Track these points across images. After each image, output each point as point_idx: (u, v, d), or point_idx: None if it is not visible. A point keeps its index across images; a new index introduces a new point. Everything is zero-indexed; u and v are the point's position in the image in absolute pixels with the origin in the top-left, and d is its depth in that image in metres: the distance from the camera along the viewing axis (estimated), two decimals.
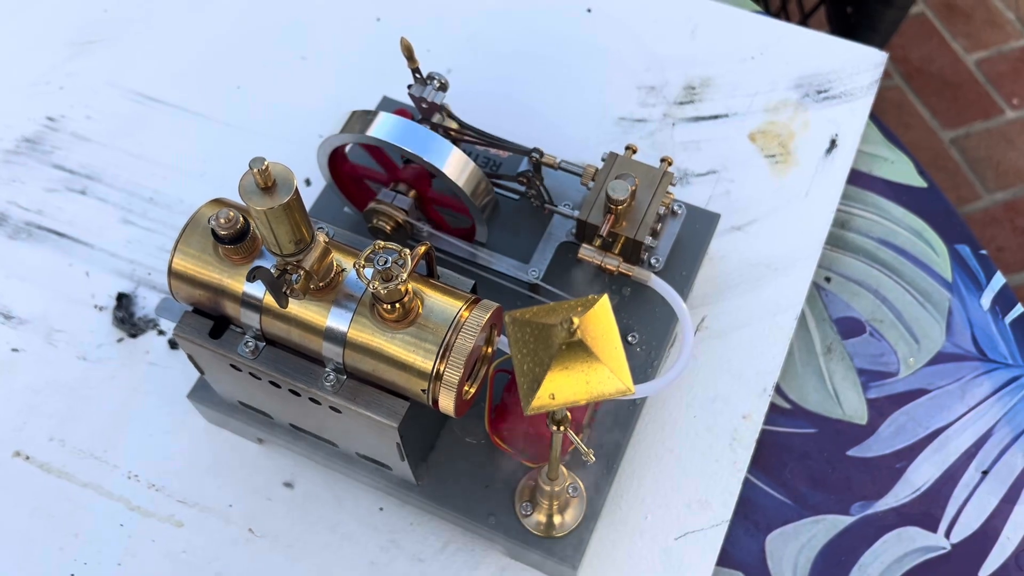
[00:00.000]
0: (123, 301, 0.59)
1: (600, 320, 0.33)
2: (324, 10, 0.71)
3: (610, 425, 0.52)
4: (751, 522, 0.55)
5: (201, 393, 0.53)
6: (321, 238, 0.40)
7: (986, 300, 0.62)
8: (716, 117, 0.66)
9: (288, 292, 0.40)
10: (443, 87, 0.52)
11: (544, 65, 0.68)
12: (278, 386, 0.44)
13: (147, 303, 0.59)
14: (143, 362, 0.58)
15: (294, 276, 0.39)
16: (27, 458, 0.55)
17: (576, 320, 0.32)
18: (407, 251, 0.39)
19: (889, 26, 1.17)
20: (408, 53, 0.51)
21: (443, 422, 0.51)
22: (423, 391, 0.42)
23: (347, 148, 0.55)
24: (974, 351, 0.60)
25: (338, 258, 0.42)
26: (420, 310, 0.41)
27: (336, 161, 0.54)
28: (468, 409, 0.45)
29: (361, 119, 0.50)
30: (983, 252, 0.64)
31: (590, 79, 0.68)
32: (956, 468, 0.56)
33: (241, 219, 0.41)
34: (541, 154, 0.52)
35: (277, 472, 0.55)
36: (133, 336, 0.58)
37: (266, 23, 0.70)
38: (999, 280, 0.63)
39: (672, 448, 0.55)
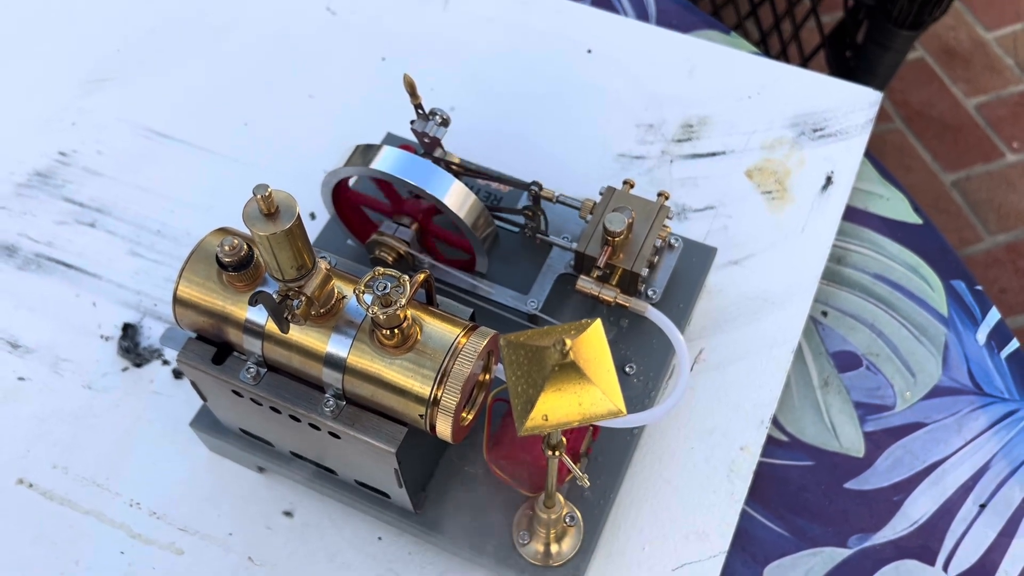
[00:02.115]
0: (128, 331, 0.60)
1: (592, 343, 0.34)
2: (331, 50, 0.73)
3: (607, 455, 0.53)
4: (748, 554, 0.55)
5: (203, 421, 0.54)
6: (323, 265, 0.41)
7: (982, 335, 0.62)
8: (713, 154, 0.67)
9: (289, 317, 0.41)
10: (445, 123, 0.54)
11: (545, 103, 0.70)
12: (278, 412, 0.45)
13: (152, 333, 0.60)
14: (147, 391, 0.59)
15: (295, 302, 0.40)
16: (30, 485, 0.56)
17: (569, 342, 0.33)
18: (406, 277, 0.40)
19: (887, 70, 1.19)
20: (411, 89, 0.52)
21: (442, 451, 0.52)
22: (420, 416, 0.42)
23: (351, 182, 0.56)
24: (970, 385, 0.61)
25: (339, 285, 0.43)
26: (419, 336, 0.42)
27: (340, 194, 0.55)
28: (466, 435, 0.45)
29: (365, 152, 0.51)
30: (978, 288, 0.64)
31: (590, 117, 0.69)
32: (954, 501, 0.57)
33: (245, 247, 0.42)
34: (540, 187, 0.53)
35: (277, 501, 0.55)
36: (138, 366, 0.59)
37: (274, 62, 0.72)
38: (994, 315, 0.63)
39: (669, 479, 0.56)
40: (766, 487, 0.57)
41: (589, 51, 0.73)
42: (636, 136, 0.68)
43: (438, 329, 0.43)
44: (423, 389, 0.42)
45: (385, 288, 0.39)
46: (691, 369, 0.59)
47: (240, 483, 0.55)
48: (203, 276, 0.44)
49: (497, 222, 0.56)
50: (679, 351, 0.51)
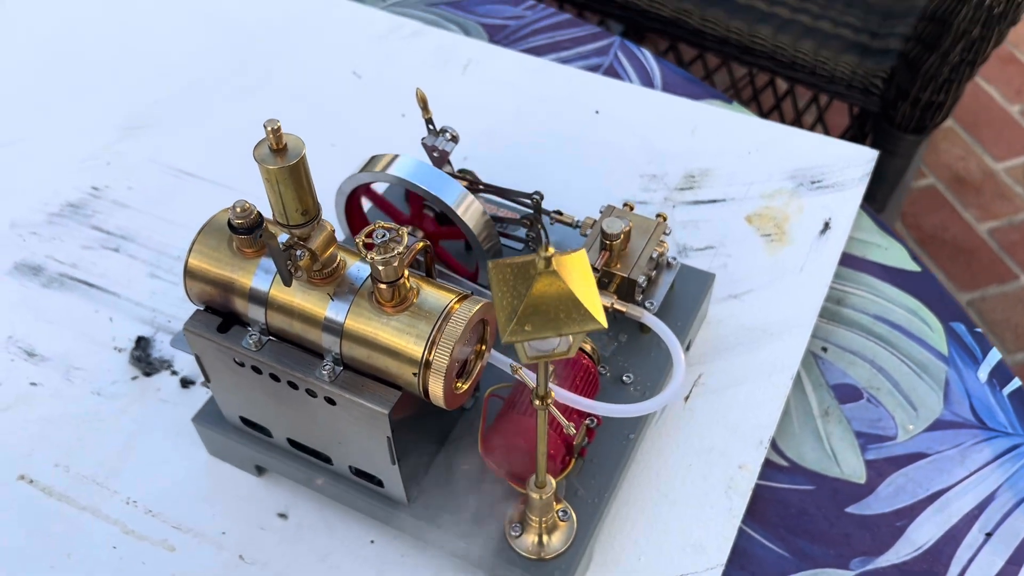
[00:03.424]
0: (141, 343, 0.62)
1: (576, 264, 0.36)
2: (355, 106, 0.78)
3: (603, 458, 0.53)
4: (748, 573, 0.54)
5: (205, 416, 0.54)
6: (328, 225, 0.43)
7: (983, 373, 0.63)
8: (714, 201, 0.70)
9: (292, 269, 0.42)
10: (454, 139, 0.57)
11: (553, 156, 0.73)
12: (278, 380, 0.46)
13: (164, 346, 0.62)
14: (154, 399, 0.60)
15: (299, 252, 0.42)
16: (31, 481, 0.56)
17: (552, 250, 0.34)
18: (404, 229, 0.42)
19: (895, 175, 1.23)
20: (423, 104, 0.56)
21: (437, 441, 0.52)
22: (414, 375, 0.43)
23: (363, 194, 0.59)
24: (973, 419, 0.60)
25: (342, 255, 0.45)
26: (415, 299, 0.44)
27: (352, 205, 0.58)
28: (461, 403, 0.46)
29: (379, 160, 0.54)
30: (978, 330, 0.65)
31: (595, 169, 0.72)
32: (959, 529, 0.55)
33: (255, 212, 0.44)
34: (541, 196, 0.56)
35: (272, 503, 0.55)
36: (147, 375, 0.61)
37: (300, 114, 0.77)
38: (995, 355, 0.64)
39: (667, 494, 0.55)
40: (766, 508, 0.56)
41: (597, 112, 0.77)
42: (640, 184, 0.71)
43: (434, 294, 0.44)
44: (416, 349, 0.43)
45: (384, 236, 0.41)
46: (689, 393, 0.60)
47: (237, 485, 0.56)
48: (213, 247, 0.46)
49: (503, 240, 0.58)
50: (674, 354, 0.52)
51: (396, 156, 0.54)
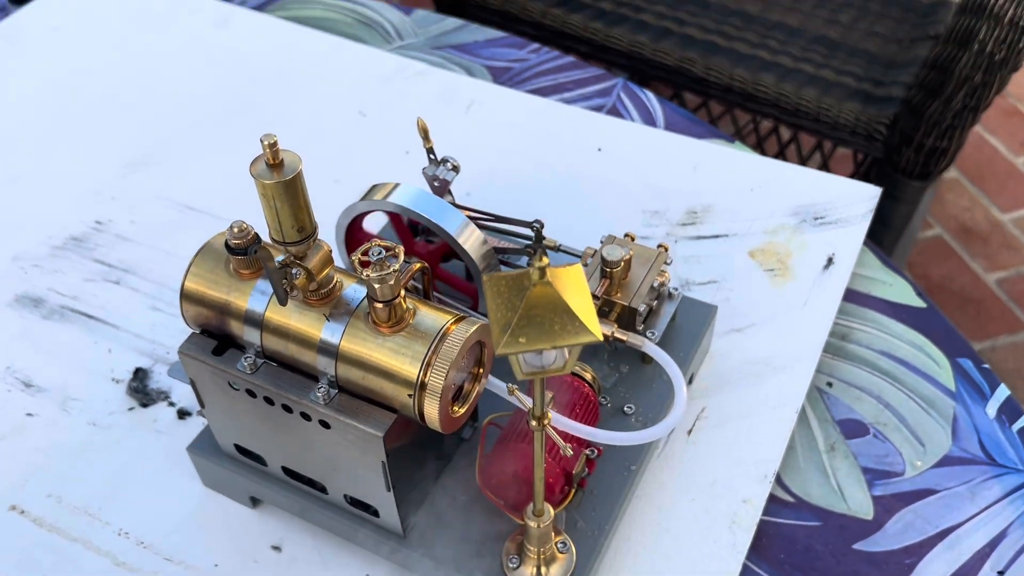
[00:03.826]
0: (139, 374, 0.62)
1: (572, 278, 0.35)
2: (359, 144, 0.78)
3: (603, 489, 0.52)
4: None
5: (200, 445, 0.54)
6: (325, 246, 0.43)
7: (991, 409, 0.61)
8: (716, 237, 0.70)
9: (288, 288, 0.42)
10: (455, 169, 0.57)
11: (555, 192, 0.73)
12: (272, 403, 0.46)
13: (162, 377, 0.62)
14: (150, 430, 0.59)
15: (295, 271, 0.42)
16: (22, 512, 0.55)
17: (547, 260, 0.34)
18: (401, 248, 0.41)
19: (901, 221, 1.23)
20: (424, 133, 0.56)
21: (435, 473, 0.51)
22: (409, 396, 0.43)
23: (363, 223, 0.59)
24: (982, 456, 0.59)
25: (339, 276, 0.45)
26: (411, 320, 0.43)
27: (352, 235, 0.58)
28: (457, 428, 0.45)
29: (380, 189, 0.54)
30: (985, 366, 0.64)
31: (597, 205, 0.72)
32: (970, 567, 0.54)
33: (252, 232, 0.44)
34: (542, 224, 0.56)
35: (266, 535, 0.54)
36: (144, 406, 0.60)
37: (305, 150, 0.76)
38: (1004, 391, 0.63)
39: (669, 528, 0.54)
40: (771, 545, 0.55)
41: (599, 150, 0.77)
42: (642, 220, 0.71)
43: (430, 315, 0.44)
44: (411, 370, 0.42)
45: (380, 254, 0.41)
46: (693, 426, 0.59)
47: (231, 517, 0.55)
48: (210, 269, 0.46)
49: (503, 266, 0.58)
50: (675, 380, 0.51)
51: (397, 184, 0.54)
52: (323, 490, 0.50)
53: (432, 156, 0.57)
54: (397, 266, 0.41)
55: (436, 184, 0.57)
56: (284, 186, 0.39)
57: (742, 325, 0.64)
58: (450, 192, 0.58)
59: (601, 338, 0.34)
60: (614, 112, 0.83)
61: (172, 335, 0.64)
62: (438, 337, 0.43)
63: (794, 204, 0.72)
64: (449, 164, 0.57)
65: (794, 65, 1.27)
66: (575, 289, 0.35)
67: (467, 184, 0.73)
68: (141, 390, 0.61)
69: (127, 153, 0.78)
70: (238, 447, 0.52)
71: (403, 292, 0.43)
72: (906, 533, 0.55)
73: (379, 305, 0.42)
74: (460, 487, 0.51)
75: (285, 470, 0.51)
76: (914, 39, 1.33)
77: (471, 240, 0.53)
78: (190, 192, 0.74)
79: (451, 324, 0.43)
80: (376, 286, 0.41)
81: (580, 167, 0.76)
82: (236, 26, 0.90)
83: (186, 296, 0.47)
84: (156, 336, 0.64)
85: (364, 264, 0.41)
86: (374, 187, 0.55)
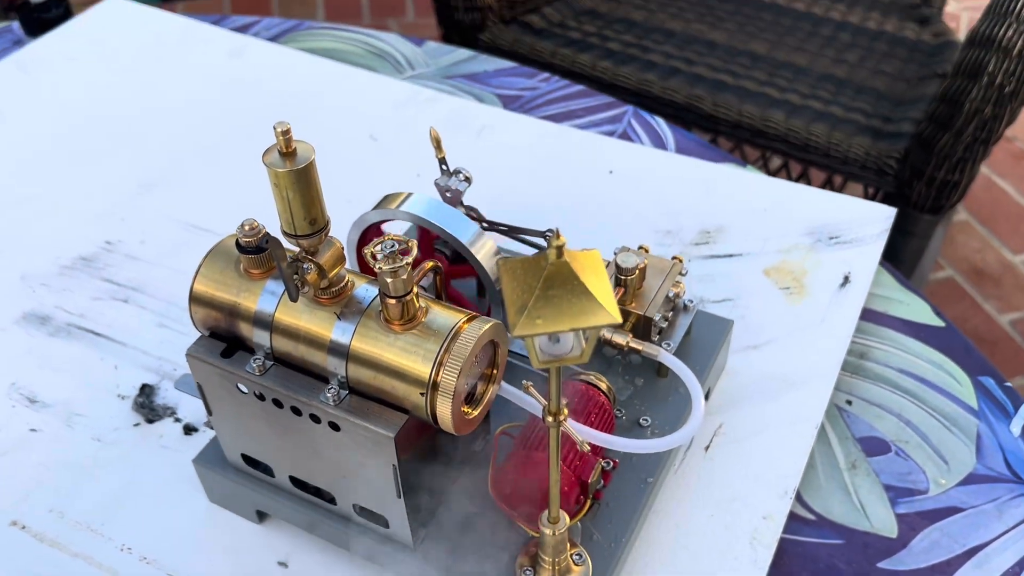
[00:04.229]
0: (145, 389, 0.61)
1: (589, 261, 0.34)
2: (371, 167, 0.78)
3: (619, 502, 0.50)
4: None
5: (206, 457, 0.53)
6: (337, 242, 0.43)
7: (1016, 427, 0.60)
8: (730, 256, 0.69)
9: (299, 284, 0.41)
10: (467, 180, 0.57)
11: (567, 213, 0.73)
12: (281, 405, 0.45)
13: (168, 394, 0.61)
14: (156, 445, 0.58)
15: (306, 266, 0.41)
16: (23, 527, 0.54)
17: (564, 239, 0.33)
18: (414, 241, 0.41)
19: (912, 256, 1.22)
20: (436, 144, 0.55)
21: (446, 485, 0.50)
22: (421, 395, 0.41)
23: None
24: (1008, 474, 0.57)
25: (350, 276, 0.44)
26: (423, 319, 0.42)
27: (364, 246, 0.57)
28: (471, 430, 0.44)
29: (394, 198, 0.54)
30: (1008, 384, 0.63)
31: (609, 224, 0.72)
32: None
33: (263, 230, 0.44)
34: (557, 233, 0.55)
35: (272, 551, 0.52)
36: (150, 422, 0.59)
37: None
38: None
39: (687, 546, 0.52)
40: (792, 564, 0.53)
41: (611, 172, 0.77)
42: (655, 239, 0.70)
43: (443, 314, 0.43)
44: (423, 369, 0.41)
45: (393, 247, 0.40)
46: (710, 443, 0.57)
47: (237, 533, 0.53)
48: (219, 271, 0.46)
49: None
50: (693, 390, 0.50)
51: (410, 194, 0.54)
52: (331, 501, 0.49)
53: (444, 167, 0.57)
54: (410, 259, 0.40)
55: (448, 195, 0.57)
56: (297, 175, 0.38)
57: (758, 342, 0.63)
58: (462, 203, 0.57)
59: (620, 320, 0.33)
60: (624, 138, 0.83)
61: (179, 352, 0.63)
62: (450, 335, 0.42)
63: (808, 224, 0.71)
64: (462, 175, 0.57)
65: (802, 102, 1.28)
66: (593, 272, 0.34)
67: (478, 205, 0.73)
68: (147, 406, 0.60)
69: (138, 176, 0.78)
70: (245, 458, 0.50)
71: (415, 289, 0.42)
72: (932, 551, 0.54)
73: (391, 301, 0.41)
74: (472, 499, 0.50)
75: (293, 480, 0.49)
76: (922, 77, 1.34)
77: (484, 250, 0.53)
78: (200, 213, 0.74)
79: (464, 323, 0.43)
80: (388, 280, 0.40)
81: (591, 188, 0.75)
82: (249, 55, 0.91)
83: (195, 299, 0.46)
84: (163, 353, 0.63)
85: (377, 256, 0.40)
86: (387, 197, 0.55)
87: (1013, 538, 0.54)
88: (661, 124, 0.84)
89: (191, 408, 0.60)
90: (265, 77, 0.88)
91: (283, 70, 0.89)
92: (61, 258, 0.70)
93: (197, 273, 0.46)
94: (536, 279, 0.33)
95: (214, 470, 0.52)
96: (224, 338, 0.46)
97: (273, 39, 0.95)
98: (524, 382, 0.42)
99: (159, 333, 0.65)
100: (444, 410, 0.42)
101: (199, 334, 0.47)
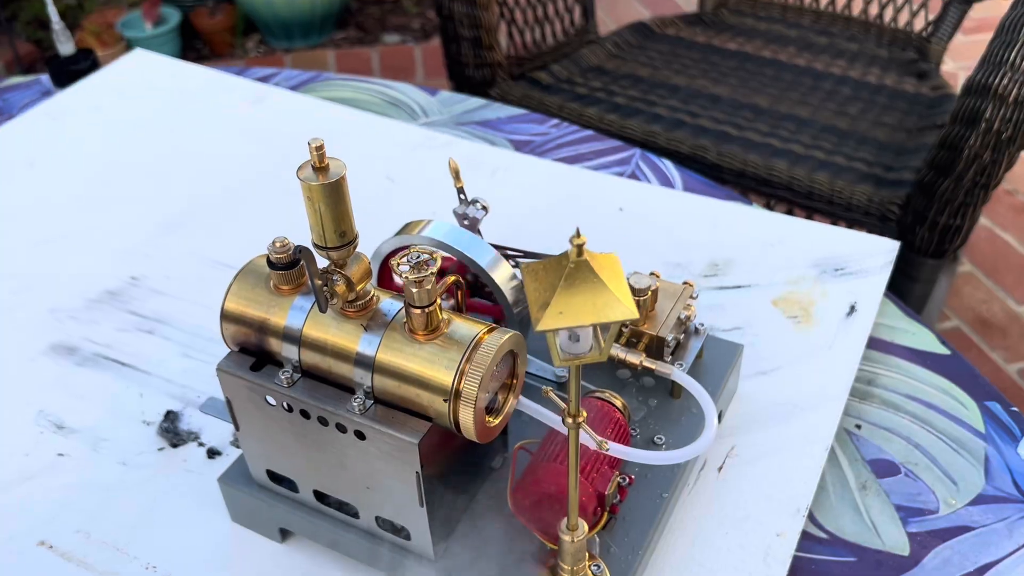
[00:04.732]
0: (170, 415, 0.62)
1: (607, 262, 0.36)
2: (387, 206, 0.80)
3: (635, 514, 0.51)
4: None
5: (231, 476, 0.54)
6: (364, 258, 0.45)
7: (1023, 450, 0.61)
8: (739, 287, 0.71)
9: (328, 296, 0.43)
10: (485, 208, 0.59)
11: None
12: (308, 416, 0.46)
13: (192, 419, 0.62)
14: (180, 469, 0.59)
15: (335, 277, 0.43)
16: (50, 547, 0.55)
17: (584, 239, 0.35)
18: (439, 253, 0.43)
19: (917, 301, 1.23)
20: (455, 173, 0.58)
21: (466, 501, 0.51)
22: (445, 401, 0.43)
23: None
24: (1017, 494, 0.58)
25: (376, 292, 0.46)
26: (445, 330, 0.44)
27: (385, 273, 0.59)
28: (492, 438, 0.45)
29: (414, 225, 0.56)
30: (1014, 409, 0.64)
31: (621, 257, 0.73)
32: None
33: (292, 247, 0.46)
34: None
35: (295, 569, 0.53)
36: (174, 446, 0.61)
37: None
38: None
39: (702, 563, 0.53)
40: None
41: (620, 209, 0.79)
42: (664, 272, 0.72)
43: (464, 325, 0.45)
44: (446, 378, 0.43)
45: (418, 258, 0.42)
46: (723, 464, 0.59)
47: (259, 552, 0.54)
48: (250, 288, 0.48)
49: None
50: (703, 401, 0.51)
51: (430, 220, 0.56)
52: (355, 515, 0.50)
53: (463, 196, 0.59)
54: (435, 269, 0.42)
55: (466, 222, 0.59)
56: (328, 188, 0.41)
57: (768, 368, 0.64)
58: (479, 231, 0.60)
59: (637, 314, 0.35)
60: (633, 178, 0.85)
61: (203, 380, 0.65)
62: (472, 345, 0.44)
63: (814, 257, 0.73)
64: (479, 204, 0.59)
65: (805, 152, 1.31)
66: (611, 272, 0.36)
67: (493, 241, 0.75)
68: (172, 431, 0.61)
69: (162, 216, 0.80)
70: (270, 474, 0.52)
71: (439, 301, 0.44)
72: (944, 569, 0.54)
73: (416, 311, 0.43)
74: (491, 514, 0.51)
75: (317, 495, 0.51)
76: (921, 128, 1.37)
77: (500, 272, 0.55)
78: (223, 250, 0.76)
79: (484, 333, 0.44)
80: (413, 290, 0.42)
81: (602, 225, 0.78)
82: (269, 103, 0.94)
83: (226, 316, 0.48)
84: (187, 381, 0.65)
85: (403, 267, 0.42)
86: (407, 224, 0.57)
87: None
88: (668, 166, 0.87)
89: (215, 433, 0.61)
90: (285, 123, 0.91)
91: (302, 116, 0.92)
92: (88, 292, 0.72)
93: (228, 291, 0.48)
94: (558, 277, 0.35)
95: (239, 488, 0.53)
96: (253, 354, 0.48)
97: (292, 89, 0.99)
98: (544, 388, 0.44)
99: (183, 363, 0.66)
100: (466, 417, 0.43)
101: (225, 355, 0.49)
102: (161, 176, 0.85)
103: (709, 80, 1.49)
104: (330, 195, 0.41)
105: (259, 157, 0.87)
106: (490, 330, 0.45)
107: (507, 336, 0.44)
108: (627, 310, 0.35)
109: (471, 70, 1.41)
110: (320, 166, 0.40)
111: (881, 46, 1.61)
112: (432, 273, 0.42)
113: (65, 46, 0.95)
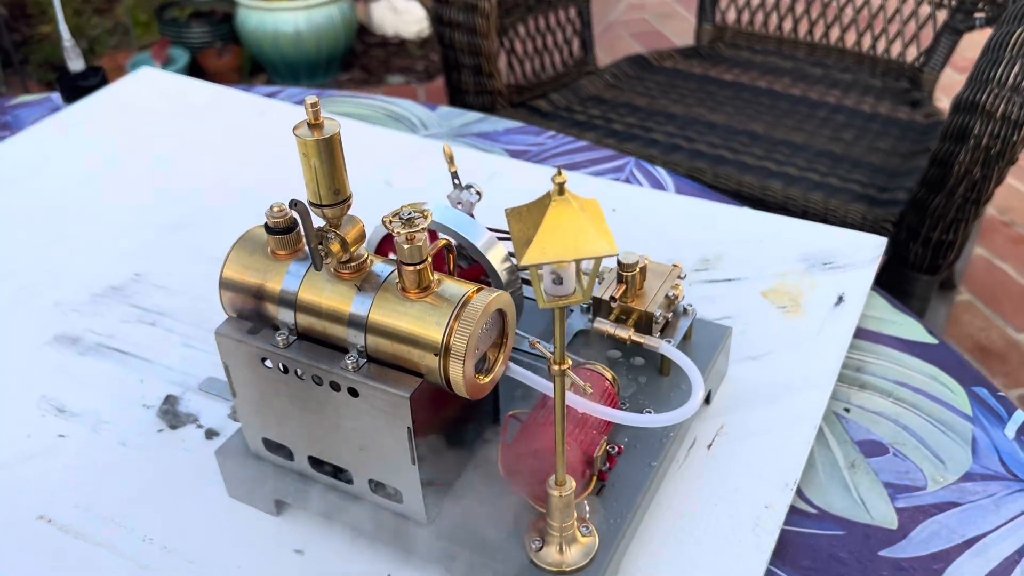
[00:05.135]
0: (169, 399, 0.63)
1: (589, 205, 0.38)
2: (387, 207, 0.82)
3: (623, 483, 0.52)
4: None
5: (228, 448, 0.55)
6: (359, 221, 0.46)
7: (1010, 431, 0.62)
8: (729, 280, 0.72)
9: (323, 255, 0.45)
10: (479, 194, 0.61)
11: None
12: (303, 377, 0.47)
13: (191, 403, 0.63)
14: (179, 449, 0.60)
15: (330, 235, 0.45)
16: (49, 521, 0.56)
17: (566, 178, 0.37)
18: (430, 210, 0.44)
19: None
20: (449, 158, 0.60)
21: (458, 468, 0.52)
22: (435, 355, 0.44)
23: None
24: (1004, 472, 0.59)
25: (370, 256, 0.48)
26: (436, 289, 0.46)
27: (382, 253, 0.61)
28: (483, 395, 0.46)
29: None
30: (1001, 394, 0.65)
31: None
32: (1001, 571, 0.53)
33: (289, 214, 0.47)
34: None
35: (289, 540, 0.54)
36: (173, 428, 0.62)
37: None
38: (1021, 415, 0.63)
39: (691, 532, 0.54)
40: (796, 553, 0.54)
41: (614, 210, 0.81)
42: None
43: (454, 285, 0.46)
44: (436, 334, 0.44)
45: (410, 214, 0.43)
46: (712, 441, 0.59)
47: (254, 524, 0.55)
48: (247, 256, 0.49)
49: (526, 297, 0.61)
50: (689, 371, 0.53)
51: (424, 203, 0.58)
52: (349, 481, 0.51)
53: (456, 181, 0.61)
54: (425, 225, 0.43)
55: (460, 206, 0.60)
56: (323, 144, 0.42)
57: (757, 354, 0.65)
58: (472, 216, 0.61)
59: (616, 252, 0.37)
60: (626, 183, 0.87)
61: (203, 368, 0.66)
62: (461, 303, 0.45)
63: (802, 252, 0.75)
64: (473, 189, 0.61)
65: (800, 174, 1.33)
66: (592, 214, 0.38)
67: None
68: (171, 413, 0.62)
69: (165, 218, 0.82)
70: (266, 443, 0.53)
71: (430, 260, 0.45)
72: (932, 541, 0.55)
73: (408, 268, 0.44)
74: (482, 480, 0.52)
75: (312, 463, 0.52)
76: (915, 152, 1.39)
77: (494, 252, 0.56)
78: (225, 249, 0.78)
79: (473, 292, 0.46)
80: (405, 246, 0.44)
81: None
82: (272, 116, 0.97)
83: (224, 284, 0.50)
84: (187, 369, 0.66)
85: (395, 222, 0.43)
86: (403, 207, 0.58)
87: (1011, 529, 0.55)
88: (662, 173, 0.89)
89: (212, 415, 0.62)
90: (287, 133, 0.93)
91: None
92: (92, 287, 0.74)
93: (226, 259, 0.50)
94: (540, 215, 0.37)
95: (235, 460, 0.54)
96: (251, 320, 0.50)
97: (297, 104, 1.01)
98: (531, 340, 0.45)
99: (184, 352, 0.68)
100: (456, 372, 0.44)
101: (223, 321, 0.51)
102: (165, 181, 0.88)
103: (705, 108, 1.52)
104: (324, 151, 0.43)
105: (260, 164, 0.89)
106: (479, 290, 0.46)
107: (494, 295, 0.46)
108: (607, 246, 0.36)
109: (472, 97, 1.44)
110: (315, 123, 0.42)
111: (875, 76, 1.64)
112: (423, 229, 0.43)
113: (75, 62, 0.98)
